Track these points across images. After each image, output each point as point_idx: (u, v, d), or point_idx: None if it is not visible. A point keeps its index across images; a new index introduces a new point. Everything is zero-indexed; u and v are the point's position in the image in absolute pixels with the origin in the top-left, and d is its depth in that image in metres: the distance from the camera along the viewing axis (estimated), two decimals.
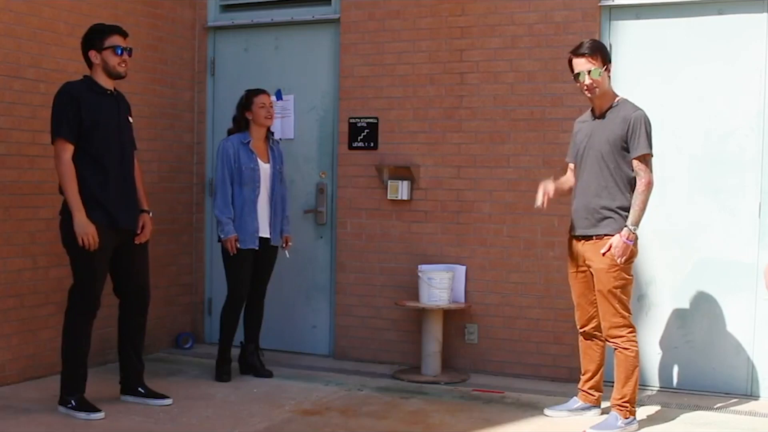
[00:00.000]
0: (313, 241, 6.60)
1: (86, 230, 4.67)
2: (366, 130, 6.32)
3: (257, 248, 5.68)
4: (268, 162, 5.73)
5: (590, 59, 4.71)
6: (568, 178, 5.03)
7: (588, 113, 4.93)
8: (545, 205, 4.86)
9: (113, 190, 4.82)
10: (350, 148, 6.36)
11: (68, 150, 4.70)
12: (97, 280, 4.83)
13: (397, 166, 6.20)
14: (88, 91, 4.80)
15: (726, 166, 5.50)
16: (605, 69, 4.75)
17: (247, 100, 5.71)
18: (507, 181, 5.96)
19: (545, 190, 4.86)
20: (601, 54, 4.75)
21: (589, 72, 4.69)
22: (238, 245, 5.60)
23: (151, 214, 5.10)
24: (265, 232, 5.71)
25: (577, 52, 4.76)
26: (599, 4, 5.70)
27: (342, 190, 6.42)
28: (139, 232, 4.98)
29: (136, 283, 5.04)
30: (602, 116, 4.79)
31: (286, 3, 6.64)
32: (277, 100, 6.57)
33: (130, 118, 5.05)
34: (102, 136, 4.78)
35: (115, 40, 4.86)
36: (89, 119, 4.73)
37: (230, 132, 5.79)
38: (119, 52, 4.85)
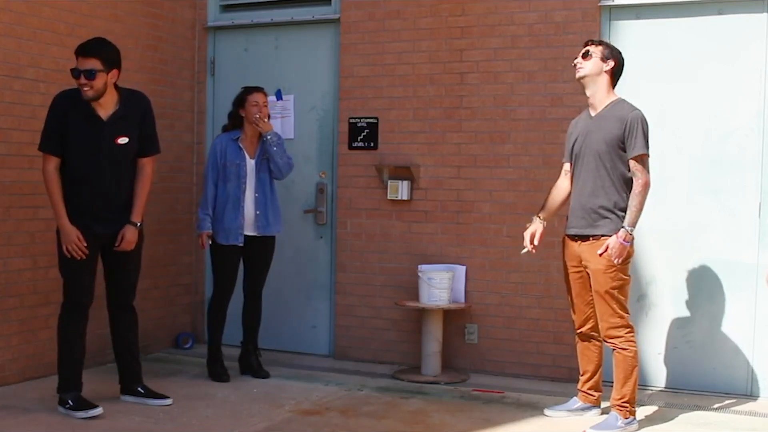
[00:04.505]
0: (313, 241, 6.60)
1: (69, 238, 4.71)
2: (366, 130, 6.32)
3: (241, 245, 5.68)
4: (254, 157, 5.72)
5: (593, 45, 4.81)
6: (560, 189, 4.99)
7: (584, 113, 4.94)
8: (534, 250, 4.97)
9: (87, 203, 4.80)
10: (350, 148, 6.36)
11: (51, 161, 4.75)
12: (80, 279, 4.83)
13: (397, 166, 6.20)
14: (73, 108, 4.74)
15: (726, 166, 5.49)
16: (603, 60, 4.76)
17: (241, 97, 5.73)
18: (507, 181, 5.96)
19: (532, 233, 4.96)
20: (606, 48, 4.80)
21: (585, 54, 4.77)
22: (210, 241, 5.67)
23: (139, 225, 4.95)
24: (250, 229, 5.70)
25: (589, 40, 4.91)
26: (599, 4, 5.70)
27: (342, 190, 6.42)
28: (117, 243, 4.89)
29: (117, 286, 5.02)
30: (598, 115, 4.80)
31: (286, 3, 6.64)
32: (277, 100, 6.57)
33: (124, 139, 4.82)
34: (77, 154, 4.75)
35: (78, 62, 4.69)
36: (68, 136, 4.73)
37: (224, 128, 5.81)
38: (75, 75, 4.70)
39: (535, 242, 4.97)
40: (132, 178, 4.94)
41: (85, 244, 4.76)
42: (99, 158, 4.79)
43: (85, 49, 4.71)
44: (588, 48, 4.80)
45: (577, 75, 4.82)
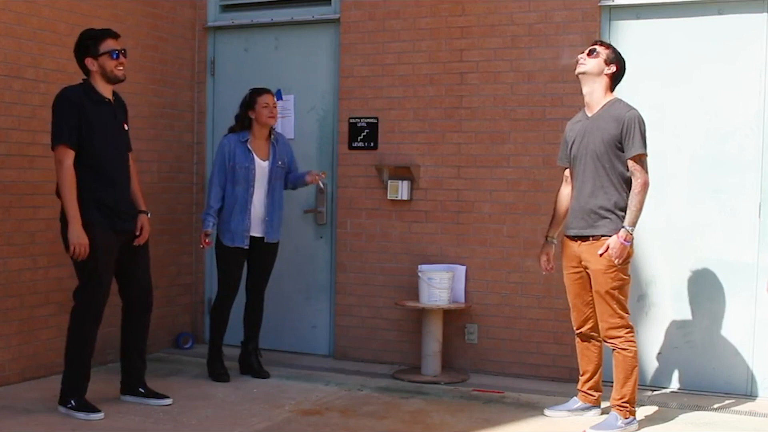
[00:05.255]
0: (313, 241, 6.60)
1: (80, 240, 4.67)
2: (366, 130, 6.32)
3: (246, 247, 5.68)
4: (267, 159, 5.73)
5: (600, 45, 4.83)
6: (564, 198, 5.00)
7: (580, 114, 4.94)
8: (552, 270, 5.09)
9: (112, 194, 4.81)
10: (350, 148, 6.37)
11: (70, 156, 4.70)
12: (103, 283, 4.83)
13: (397, 166, 6.20)
14: (87, 98, 4.77)
15: (726, 166, 5.49)
16: (606, 63, 4.76)
17: (250, 99, 5.72)
18: (507, 181, 5.96)
19: (545, 255, 5.08)
20: (612, 52, 4.81)
21: (591, 51, 4.77)
22: (207, 239, 5.66)
23: (149, 215, 5.09)
24: (258, 231, 5.71)
25: (598, 41, 4.95)
26: (599, 4, 5.70)
27: (342, 190, 6.42)
28: (138, 233, 4.98)
29: (139, 285, 5.03)
30: (595, 115, 4.79)
31: (286, 3, 6.64)
32: (277, 100, 6.56)
33: (126, 126, 5.02)
34: (100, 142, 4.77)
35: (110, 44, 4.82)
36: (87, 127, 4.72)
37: (231, 130, 5.80)
38: (115, 56, 4.81)
39: (551, 265, 5.08)
40: None
41: (107, 248, 4.75)
42: (119, 144, 4.89)
43: (114, 33, 4.87)
44: (595, 47, 4.81)
45: (578, 70, 4.81)
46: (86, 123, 4.72)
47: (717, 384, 5.51)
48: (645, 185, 4.65)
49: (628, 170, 4.68)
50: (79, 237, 4.67)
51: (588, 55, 4.78)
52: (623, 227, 4.63)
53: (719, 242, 5.51)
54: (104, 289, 4.84)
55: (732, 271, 5.48)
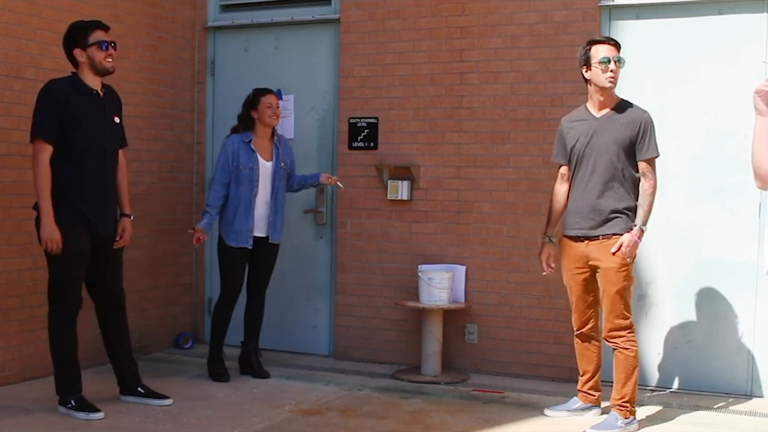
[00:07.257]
0: (313, 241, 6.60)
1: (51, 236, 4.62)
2: (366, 130, 6.32)
3: (250, 247, 5.68)
4: (271, 160, 5.73)
5: (617, 49, 4.76)
6: (561, 196, 4.96)
7: (581, 112, 4.90)
8: (552, 271, 5.03)
9: (91, 193, 4.76)
10: (350, 148, 6.37)
11: (46, 151, 4.65)
12: (75, 279, 4.78)
13: (397, 166, 6.21)
14: (74, 90, 4.74)
15: (726, 166, 5.50)
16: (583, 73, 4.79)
17: (254, 99, 5.72)
18: (507, 181, 5.96)
19: (547, 256, 5.02)
20: (579, 56, 4.81)
21: (618, 60, 4.72)
22: (203, 238, 5.66)
23: (132, 218, 5.04)
24: (261, 231, 5.71)
25: (602, 40, 4.81)
26: (599, 4, 5.70)
27: (342, 190, 6.41)
28: (118, 237, 4.93)
29: (109, 288, 4.99)
30: (605, 116, 4.78)
31: (286, 3, 6.64)
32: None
33: (117, 119, 4.96)
34: (83, 137, 4.72)
35: (99, 35, 4.80)
36: (71, 120, 4.68)
37: (234, 130, 5.79)
38: (104, 47, 4.79)
39: (552, 264, 5.02)
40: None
41: (80, 246, 4.71)
42: (106, 139, 4.81)
43: (104, 24, 4.86)
44: (619, 56, 4.74)
45: (613, 85, 4.74)
46: (69, 116, 4.67)
47: (717, 384, 5.51)
48: (655, 186, 4.68)
49: (636, 171, 4.68)
50: (50, 232, 4.62)
51: (618, 67, 4.74)
52: (636, 225, 4.63)
53: (719, 242, 5.51)
54: (77, 286, 4.81)
55: (732, 271, 5.48)
